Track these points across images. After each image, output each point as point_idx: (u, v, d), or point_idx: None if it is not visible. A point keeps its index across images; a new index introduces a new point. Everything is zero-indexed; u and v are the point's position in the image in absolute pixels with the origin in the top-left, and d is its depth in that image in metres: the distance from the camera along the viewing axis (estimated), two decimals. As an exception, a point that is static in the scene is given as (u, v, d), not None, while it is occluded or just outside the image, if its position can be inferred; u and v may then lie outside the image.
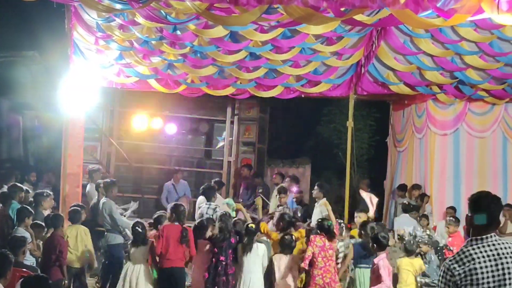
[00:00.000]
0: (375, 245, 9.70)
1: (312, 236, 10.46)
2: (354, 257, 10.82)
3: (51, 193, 12.20)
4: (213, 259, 10.31)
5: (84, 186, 14.00)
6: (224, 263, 10.29)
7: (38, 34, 16.64)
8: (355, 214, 12.70)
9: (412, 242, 10.80)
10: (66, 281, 9.91)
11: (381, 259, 9.55)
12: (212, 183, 13.89)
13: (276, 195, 14.00)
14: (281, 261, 10.31)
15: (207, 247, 10.57)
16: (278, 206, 13.68)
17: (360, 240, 11.06)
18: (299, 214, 14.03)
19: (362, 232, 10.97)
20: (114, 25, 11.47)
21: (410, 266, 10.14)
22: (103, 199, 12.28)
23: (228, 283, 10.26)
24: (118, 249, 12.20)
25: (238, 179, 18.30)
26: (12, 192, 11.67)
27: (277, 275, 10.27)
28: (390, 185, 16.52)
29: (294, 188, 14.93)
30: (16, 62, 18.12)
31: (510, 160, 15.16)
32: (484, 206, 4.90)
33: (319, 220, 10.86)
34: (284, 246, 10.41)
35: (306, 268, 10.31)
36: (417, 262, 10.30)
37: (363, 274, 10.44)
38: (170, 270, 10.34)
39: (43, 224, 10.74)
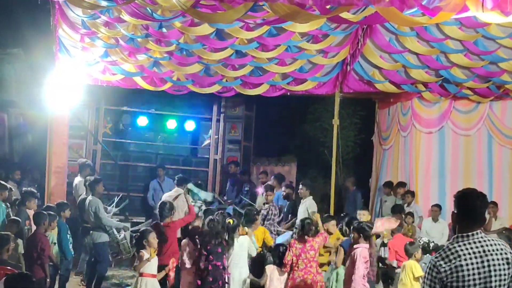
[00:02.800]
0: (361, 234, 9.67)
1: (292, 240, 10.37)
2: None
3: (37, 193, 12.14)
4: (209, 266, 10.06)
5: (69, 184, 13.93)
6: (221, 267, 10.08)
7: (23, 32, 16.55)
8: (358, 212, 12.69)
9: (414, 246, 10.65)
10: (48, 279, 9.85)
11: (360, 247, 9.53)
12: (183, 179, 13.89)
13: (263, 193, 14.04)
14: (274, 273, 10.19)
15: (194, 249, 10.53)
16: (264, 204, 13.72)
17: (346, 238, 10.92)
18: (284, 210, 14.07)
19: (347, 229, 10.89)
20: (100, 22, 11.45)
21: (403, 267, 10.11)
22: (90, 197, 12.22)
23: (223, 286, 10.22)
24: (103, 247, 12.17)
25: (225, 176, 18.30)
26: (-5, 191, 11.59)
27: (268, 283, 10.18)
28: (376, 183, 16.55)
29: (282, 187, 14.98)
30: (0, 60, 18.03)
31: (495, 158, 15.19)
32: (470, 203, 4.92)
33: (301, 220, 10.73)
34: (274, 257, 10.35)
35: (288, 271, 10.27)
36: (408, 264, 10.09)
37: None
38: (160, 267, 10.29)
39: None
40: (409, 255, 10.01)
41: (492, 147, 15.18)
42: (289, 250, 10.16)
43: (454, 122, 15.25)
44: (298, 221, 12.27)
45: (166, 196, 13.11)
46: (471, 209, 4.89)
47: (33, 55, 16.42)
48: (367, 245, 9.68)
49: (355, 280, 9.43)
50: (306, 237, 10.17)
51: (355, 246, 9.65)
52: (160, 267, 10.19)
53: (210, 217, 10.65)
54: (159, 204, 11.05)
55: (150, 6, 10.06)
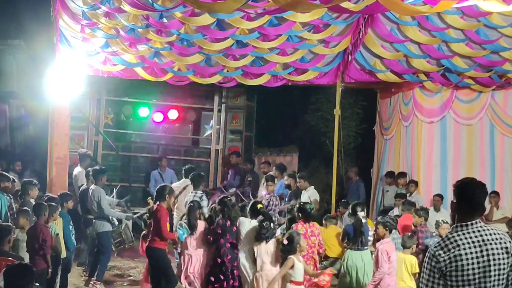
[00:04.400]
0: (387, 229, 9.63)
1: (293, 226, 10.33)
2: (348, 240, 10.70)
3: (37, 182, 12.13)
4: (227, 244, 10.33)
5: (69, 175, 13.92)
6: (235, 246, 10.42)
7: (24, 23, 16.60)
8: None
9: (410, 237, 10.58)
10: (50, 270, 9.85)
11: (383, 244, 9.50)
12: (189, 170, 13.80)
13: (264, 183, 14.05)
14: (261, 248, 10.05)
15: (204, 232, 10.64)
16: (265, 194, 13.72)
17: (351, 222, 10.87)
18: (286, 199, 14.05)
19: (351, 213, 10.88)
20: (100, 13, 11.40)
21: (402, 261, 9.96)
22: (92, 187, 12.24)
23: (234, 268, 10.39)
24: (107, 236, 12.22)
25: (226, 166, 18.29)
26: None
27: (258, 262, 10.03)
28: (377, 173, 16.54)
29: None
30: (1, 51, 18.08)
31: (497, 147, 15.18)
32: (469, 192, 4.91)
33: (301, 203, 10.71)
34: (259, 235, 10.11)
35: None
36: (409, 258, 10.02)
37: (352, 257, 10.29)
38: (147, 249, 10.50)
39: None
40: (407, 247, 9.98)
41: (494, 137, 15.16)
42: None
43: (456, 111, 15.21)
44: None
45: (173, 187, 13.12)
46: (470, 199, 4.89)
47: (34, 46, 16.48)
48: (389, 239, 9.67)
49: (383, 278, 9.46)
50: (308, 222, 10.22)
51: (377, 244, 9.64)
52: (156, 251, 10.35)
53: (221, 196, 10.90)
54: (159, 186, 10.97)
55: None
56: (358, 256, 10.26)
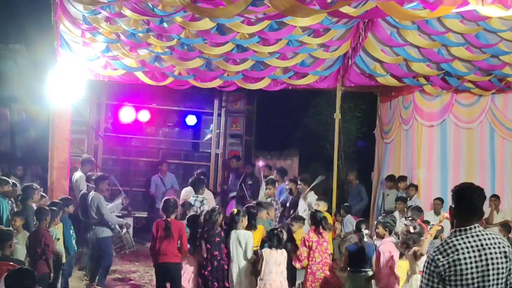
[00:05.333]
0: (387, 229, 9.53)
1: (305, 235, 10.31)
2: (350, 260, 10.20)
3: (39, 186, 12.13)
4: (207, 255, 10.30)
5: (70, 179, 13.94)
6: (218, 258, 10.32)
7: (25, 27, 16.61)
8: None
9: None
10: (52, 274, 9.87)
11: (383, 244, 9.41)
12: (200, 175, 13.80)
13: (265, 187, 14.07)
14: (271, 256, 9.93)
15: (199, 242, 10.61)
16: (266, 198, 13.72)
17: (354, 241, 10.68)
18: (287, 205, 14.05)
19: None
20: (101, 18, 11.42)
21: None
22: (92, 193, 12.25)
23: (224, 277, 10.36)
24: (107, 242, 12.21)
25: (227, 171, 18.31)
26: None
27: (265, 270, 9.91)
28: (378, 177, 16.54)
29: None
30: (2, 55, 18.08)
31: (497, 151, 15.17)
32: (468, 197, 4.94)
33: (312, 212, 10.72)
34: (271, 240, 10.04)
35: (300, 268, 10.26)
36: (404, 264, 9.58)
37: (355, 278, 10.05)
38: (164, 265, 10.31)
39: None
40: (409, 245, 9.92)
41: (494, 140, 15.16)
42: (304, 246, 10.14)
43: (456, 115, 15.22)
44: (304, 215, 12.30)
45: (186, 191, 13.15)
46: (468, 203, 4.93)
47: (35, 51, 16.49)
48: (390, 239, 9.54)
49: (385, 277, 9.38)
50: (321, 230, 10.21)
51: (378, 243, 9.54)
52: (176, 266, 10.29)
53: (213, 206, 10.85)
54: (163, 201, 10.89)
55: (151, 1, 10.08)
56: (360, 279, 10.00)
